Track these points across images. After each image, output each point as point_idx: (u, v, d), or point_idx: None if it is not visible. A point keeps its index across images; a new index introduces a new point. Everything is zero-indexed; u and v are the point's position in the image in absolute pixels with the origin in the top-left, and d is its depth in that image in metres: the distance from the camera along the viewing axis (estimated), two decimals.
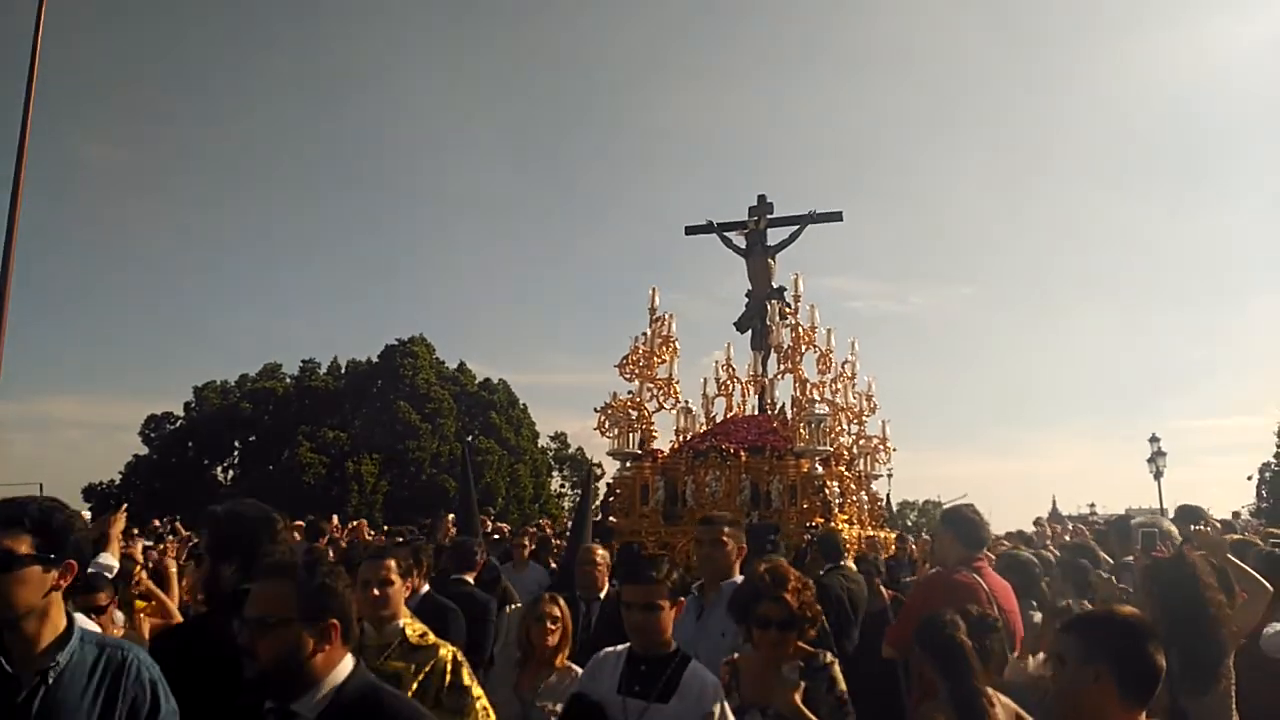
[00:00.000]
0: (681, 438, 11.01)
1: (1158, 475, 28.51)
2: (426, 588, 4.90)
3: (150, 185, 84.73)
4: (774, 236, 12.09)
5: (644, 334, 10.52)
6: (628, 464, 10.19)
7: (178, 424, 47.32)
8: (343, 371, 48.30)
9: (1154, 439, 28.97)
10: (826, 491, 9.53)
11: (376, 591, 3.52)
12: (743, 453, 9.88)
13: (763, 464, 9.80)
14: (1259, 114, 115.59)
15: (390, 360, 46.40)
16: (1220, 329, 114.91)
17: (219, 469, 47.35)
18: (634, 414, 10.07)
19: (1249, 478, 40.86)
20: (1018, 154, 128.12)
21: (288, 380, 48.30)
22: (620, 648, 3.20)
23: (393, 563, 3.57)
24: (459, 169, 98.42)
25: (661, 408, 10.51)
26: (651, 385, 10.34)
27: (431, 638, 3.47)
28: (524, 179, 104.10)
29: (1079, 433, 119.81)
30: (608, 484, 10.98)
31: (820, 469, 9.68)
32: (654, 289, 10.79)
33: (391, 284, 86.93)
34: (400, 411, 43.53)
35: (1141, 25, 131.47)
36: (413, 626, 3.51)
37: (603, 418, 10.04)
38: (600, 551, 5.89)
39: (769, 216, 12.10)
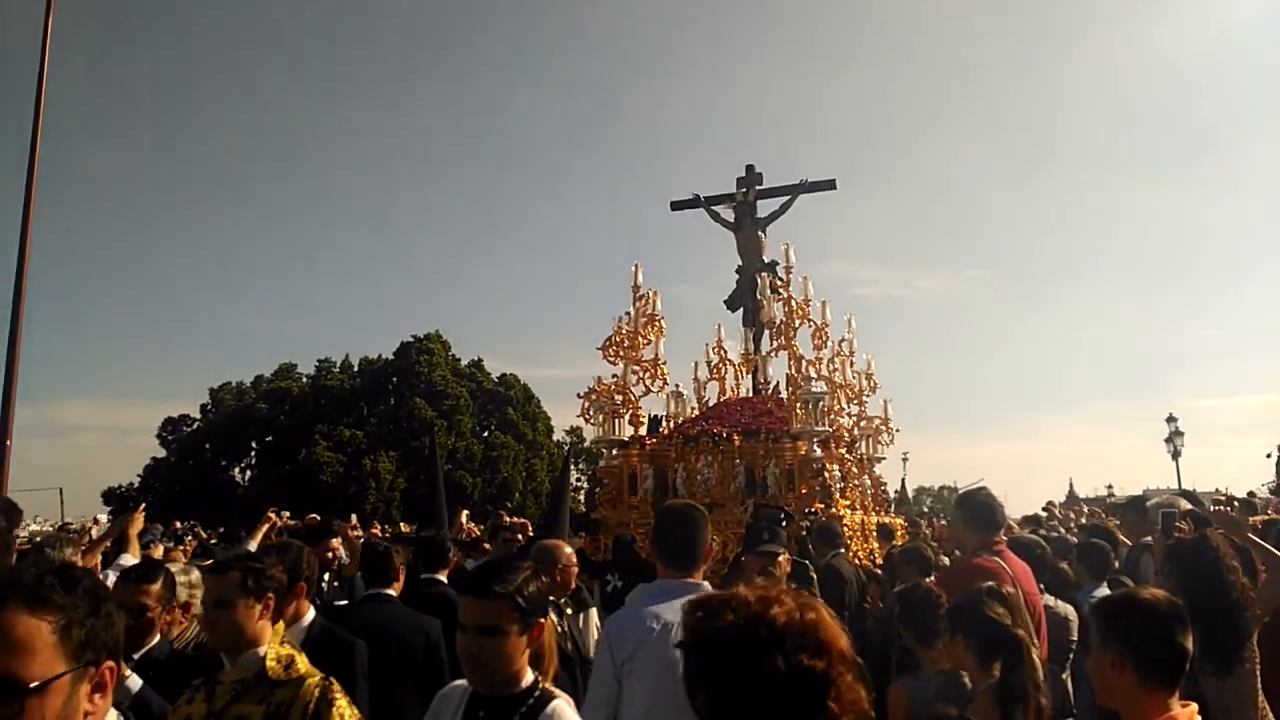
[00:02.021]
0: (671, 422, 10.46)
1: (1175, 455, 28.33)
2: (311, 615, 3.86)
3: (162, 189, 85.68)
4: (764, 209, 11.49)
5: (627, 313, 9.86)
6: (615, 452, 9.64)
7: (194, 426, 47.61)
8: (357, 370, 48.24)
9: (1171, 419, 28.83)
10: (826, 475, 8.96)
11: (211, 616, 2.91)
12: (736, 436, 9.32)
13: (758, 448, 9.24)
14: (1271, 88, 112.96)
15: (406, 357, 46.33)
16: (1235, 307, 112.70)
17: (236, 470, 47.60)
18: (619, 399, 9.49)
19: (1268, 456, 40.05)
20: (1026, 136, 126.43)
21: (303, 380, 48.41)
22: (462, 683, 2.51)
23: (235, 576, 2.92)
24: (470, 166, 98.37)
25: (649, 391, 9.90)
26: (637, 368, 9.73)
27: (301, 667, 2.79)
28: (534, 176, 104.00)
29: (1095, 415, 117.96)
30: (594, 474, 10.47)
31: (819, 451, 9.11)
32: (637, 265, 10.15)
33: (405, 282, 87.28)
34: (416, 408, 43.40)
35: (1152, 2, 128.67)
36: (276, 654, 2.82)
37: (586, 404, 9.48)
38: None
39: (758, 188, 11.48)
